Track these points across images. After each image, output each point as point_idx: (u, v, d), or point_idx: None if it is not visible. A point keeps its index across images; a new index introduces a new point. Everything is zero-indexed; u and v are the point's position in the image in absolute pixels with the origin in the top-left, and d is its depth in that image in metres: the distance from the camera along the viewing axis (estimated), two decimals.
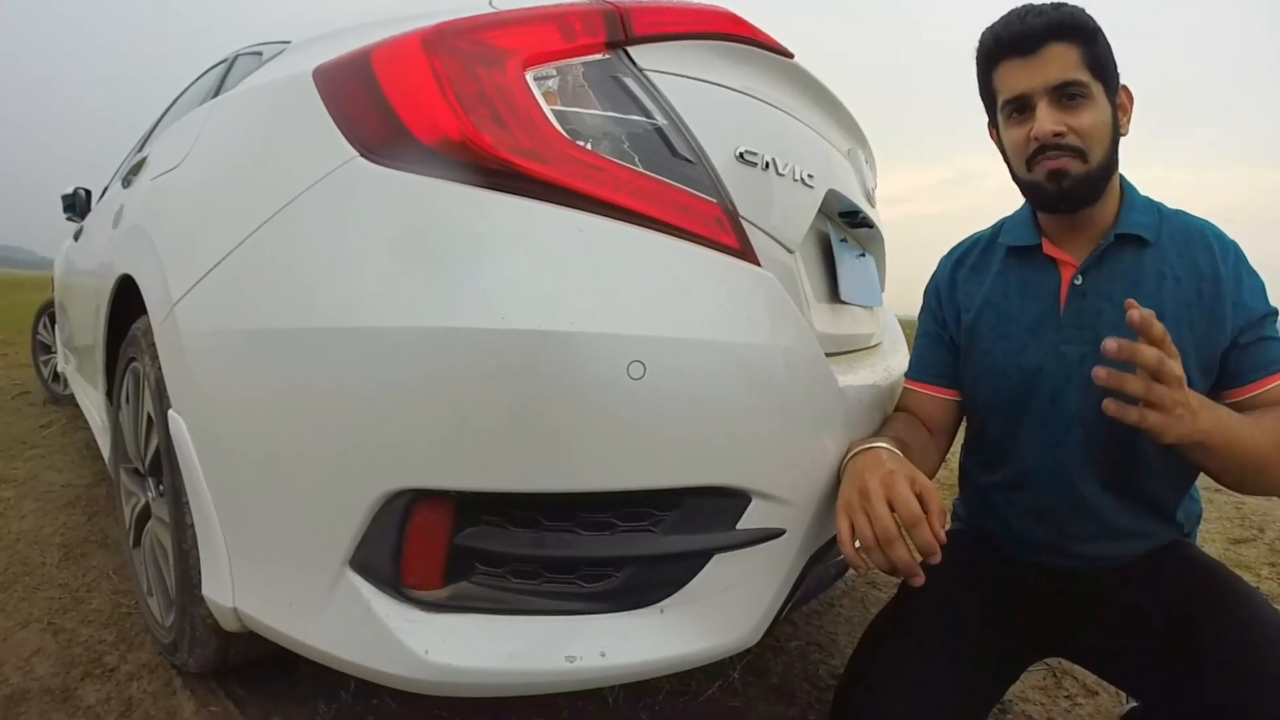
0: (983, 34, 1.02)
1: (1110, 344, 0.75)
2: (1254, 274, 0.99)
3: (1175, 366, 0.77)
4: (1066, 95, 0.95)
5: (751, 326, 0.86)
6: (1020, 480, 1.09)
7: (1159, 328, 0.76)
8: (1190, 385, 0.96)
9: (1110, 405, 0.80)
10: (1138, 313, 0.75)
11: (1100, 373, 0.79)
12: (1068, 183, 0.97)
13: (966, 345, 1.15)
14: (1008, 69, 0.99)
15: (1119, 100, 1.00)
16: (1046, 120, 0.95)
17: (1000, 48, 0.99)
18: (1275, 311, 0.97)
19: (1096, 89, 0.96)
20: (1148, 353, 0.76)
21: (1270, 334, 0.96)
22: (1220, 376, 0.98)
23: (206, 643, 1.12)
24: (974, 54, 1.05)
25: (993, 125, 1.08)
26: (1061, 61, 0.95)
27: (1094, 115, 0.96)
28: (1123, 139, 1.02)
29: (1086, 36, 0.95)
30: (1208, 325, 0.96)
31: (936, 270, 1.25)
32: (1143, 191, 1.06)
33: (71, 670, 1.28)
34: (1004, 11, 1.01)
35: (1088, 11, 0.96)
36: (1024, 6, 0.98)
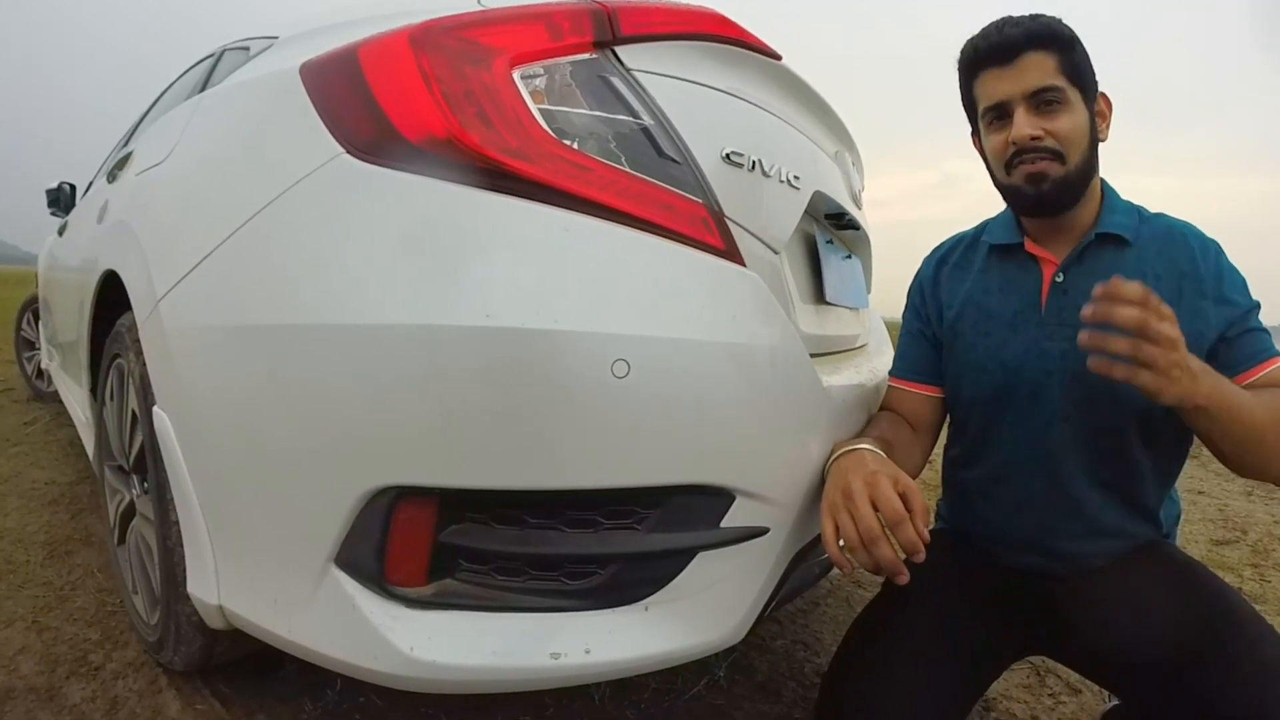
0: (963, 45, 1.05)
1: (1086, 310, 0.76)
2: (1234, 270, 1.00)
3: (1167, 328, 0.76)
4: (1044, 101, 0.98)
5: (736, 326, 0.87)
6: (1002, 474, 1.10)
7: (1134, 289, 0.76)
8: None
9: (1093, 362, 0.79)
10: (1101, 288, 0.76)
11: (1083, 336, 0.78)
12: (1046, 186, 0.99)
13: (949, 342, 1.16)
14: (987, 78, 1.02)
15: (1097, 107, 1.02)
16: (1024, 125, 0.98)
17: (979, 58, 1.02)
18: (1257, 304, 1.00)
19: (1073, 95, 0.98)
20: (1125, 313, 0.76)
21: (1255, 325, 0.98)
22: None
23: (192, 641, 1.12)
24: (955, 64, 1.08)
25: (975, 134, 1.11)
26: (1038, 69, 0.97)
27: (1071, 120, 0.98)
28: (1104, 145, 1.04)
29: (1063, 45, 0.98)
30: (1189, 322, 0.98)
31: (921, 268, 1.27)
32: (1129, 198, 1.08)
33: (57, 669, 1.27)
34: (987, 18, 1.04)
35: (1064, 22, 0.99)
36: (1002, 19, 1.01)
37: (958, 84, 1.09)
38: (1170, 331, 0.77)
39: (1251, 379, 0.96)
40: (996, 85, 1.01)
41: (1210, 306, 0.98)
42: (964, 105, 1.10)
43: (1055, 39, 0.97)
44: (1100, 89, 1.03)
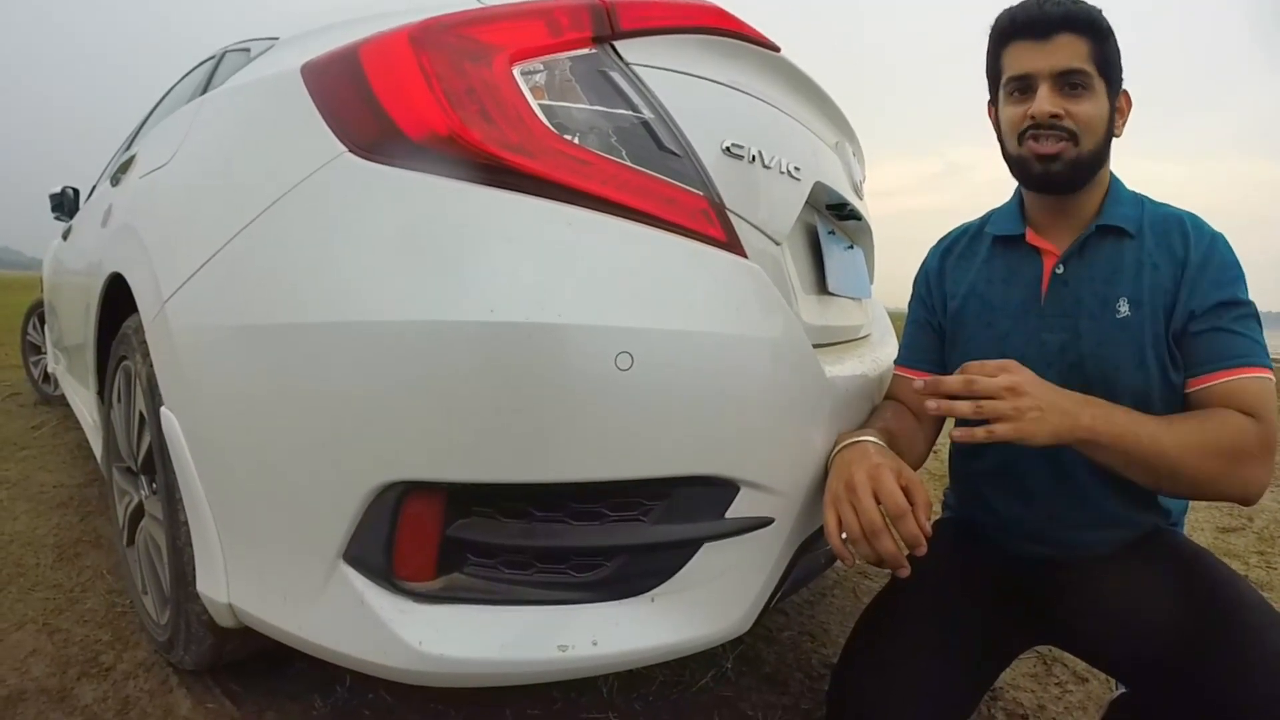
0: (1000, 13, 1.05)
1: (917, 384, 0.90)
2: (1228, 265, 0.97)
3: (1001, 380, 0.86)
4: (1069, 84, 0.98)
5: (739, 318, 0.87)
6: (1006, 466, 1.10)
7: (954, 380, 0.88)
8: (1165, 375, 0.97)
9: (955, 433, 0.90)
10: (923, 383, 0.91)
11: (930, 405, 0.90)
12: (1057, 165, 0.99)
13: (952, 332, 1.17)
14: (1017, 49, 1.02)
15: (1118, 103, 1.02)
16: (1046, 101, 0.98)
17: (1014, 27, 1.02)
18: (1243, 303, 0.96)
19: (1099, 85, 0.99)
20: (949, 382, 0.88)
21: (1230, 326, 0.95)
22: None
23: (202, 639, 1.13)
24: (987, 31, 1.07)
25: (992, 103, 1.10)
26: (1070, 50, 0.97)
27: (1092, 107, 0.98)
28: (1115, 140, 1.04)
29: (1098, 33, 0.98)
30: (1173, 311, 0.97)
31: (926, 259, 1.27)
32: (1132, 185, 1.08)
33: (68, 670, 1.28)
34: (988, 6, 1.03)
35: (1104, 14, 0.99)
36: None
37: (985, 50, 1.08)
38: (1005, 381, 0.85)
39: (1207, 384, 0.94)
40: (1025, 58, 1.00)
41: (1186, 292, 0.96)
42: (987, 73, 1.10)
43: (1092, 25, 0.98)
44: (1123, 87, 1.03)
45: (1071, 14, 0.98)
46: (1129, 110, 1.04)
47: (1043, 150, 0.99)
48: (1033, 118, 0.99)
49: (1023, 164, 1.03)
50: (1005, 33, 1.03)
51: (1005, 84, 1.04)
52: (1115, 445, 0.87)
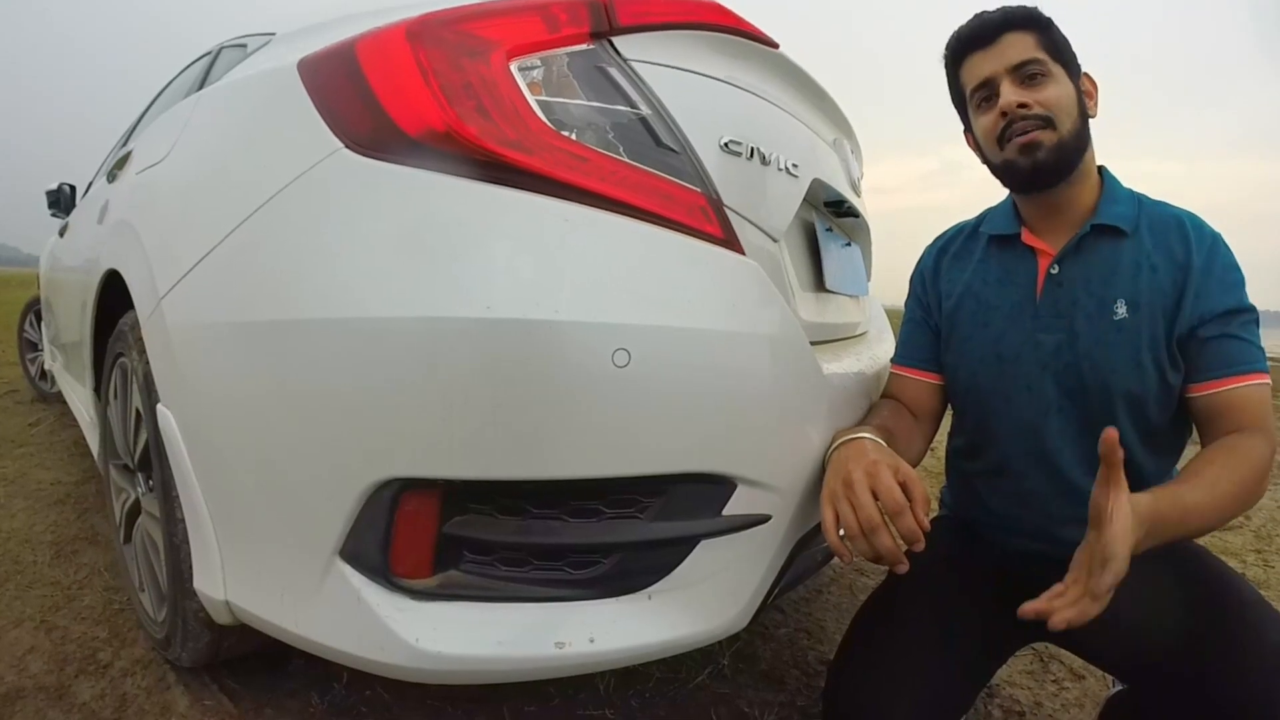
0: (947, 41, 1.09)
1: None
2: (1231, 268, 0.98)
3: (1101, 597, 0.79)
4: (1028, 74, 1.00)
5: (736, 315, 0.87)
6: (1002, 467, 1.10)
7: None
8: (1163, 377, 0.97)
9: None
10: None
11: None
12: (1041, 154, 0.99)
13: (948, 332, 1.17)
14: (971, 62, 1.05)
15: (1083, 86, 1.04)
16: (1011, 93, 1.00)
17: (962, 45, 1.06)
18: (1249, 309, 0.96)
19: (1056, 69, 1.01)
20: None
21: (1237, 333, 0.95)
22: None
23: (199, 637, 1.12)
24: (941, 63, 1.11)
25: (967, 131, 1.12)
26: (1019, 45, 1.01)
27: (1057, 89, 1.00)
28: (1109, 134, 1.04)
29: (1039, 25, 1.02)
30: (1178, 313, 0.97)
31: (922, 257, 1.27)
32: (1131, 184, 1.08)
33: (65, 667, 1.28)
34: (985, 2, 1.08)
35: (1039, 9, 1.03)
36: (979, 10, 1.06)
37: (946, 81, 1.11)
38: (1104, 586, 0.78)
39: (1214, 390, 0.95)
40: (981, 65, 1.03)
41: (1193, 297, 0.96)
42: (953, 101, 1.12)
43: (1031, 19, 1.02)
44: (1083, 70, 1.05)
45: (1009, 15, 1.02)
46: (1096, 91, 1.06)
47: (1024, 140, 1.00)
48: (1004, 113, 1.01)
49: (1009, 167, 1.03)
50: (956, 52, 1.07)
51: (971, 98, 1.07)
52: (1170, 534, 0.84)
